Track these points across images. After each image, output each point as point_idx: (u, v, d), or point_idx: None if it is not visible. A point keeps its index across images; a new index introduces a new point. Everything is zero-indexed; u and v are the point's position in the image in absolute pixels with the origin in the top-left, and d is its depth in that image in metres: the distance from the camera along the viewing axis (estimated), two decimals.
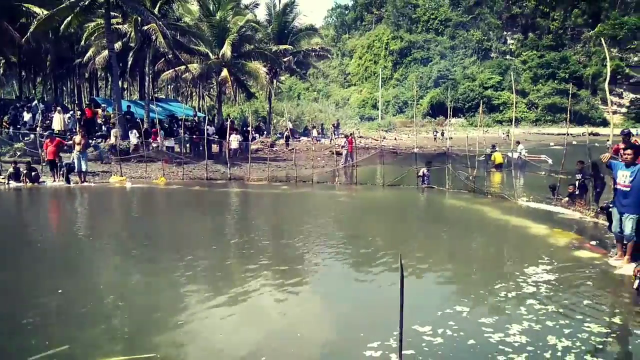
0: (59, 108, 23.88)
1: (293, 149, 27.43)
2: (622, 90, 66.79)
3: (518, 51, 72.55)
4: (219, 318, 5.31)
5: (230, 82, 29.73)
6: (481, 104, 32.95)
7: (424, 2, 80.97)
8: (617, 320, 5.20)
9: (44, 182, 16.67)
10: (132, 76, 34.40)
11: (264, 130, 36.07)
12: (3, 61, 34.08)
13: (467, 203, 13.49)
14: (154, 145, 22.23)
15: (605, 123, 55.28)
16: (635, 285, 5.76)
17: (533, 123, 62.52)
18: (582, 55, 69.80)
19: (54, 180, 16.81)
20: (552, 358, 4.34)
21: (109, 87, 39.34)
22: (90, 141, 20.49)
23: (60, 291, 6.07)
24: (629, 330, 5.00)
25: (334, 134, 34.10)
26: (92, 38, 27.35)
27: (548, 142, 38.41)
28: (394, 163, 19.76)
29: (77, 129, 18.82)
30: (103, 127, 25.35)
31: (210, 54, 30.24)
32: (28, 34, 23.04)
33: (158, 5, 25.16)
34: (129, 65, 29.02)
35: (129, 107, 27.43)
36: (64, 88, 44.96)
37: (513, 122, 24.90)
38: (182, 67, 29.59)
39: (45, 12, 22.89)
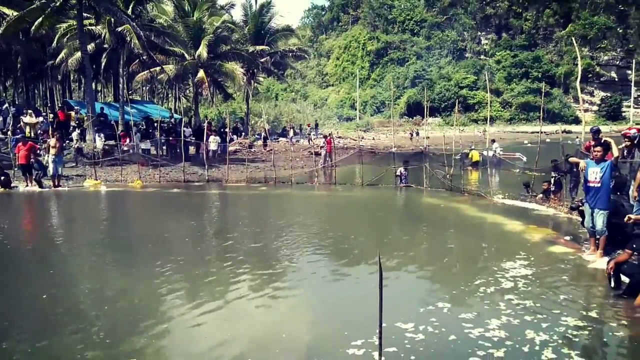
0: (30, 111, 23.31)
1: (271, 149, 27.36)
2: (593, 88, 68.64)
3: (492, 51, 73.82)
4: (201, 321, 5.25)
5: (207, 83, 29.51)
6: (457, 104, 33.47)
7: (399, 3, 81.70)
8: (591, 313, 5.33)
9: (17, 187, 16.25)
10: (105, 78, 33.83)
11: (242, 132, 35.88)
12: None
13: (444, 201, 13.65)
14: (124, 148, 21.87)
15: (577, 121, 56.60)
16: (611, 284, 5.90)
17: (507, 122, 63.66)
18: (554, 54, 71.47)
19: (27, 185, 16.40)
20: (531, 352, 4.41)
21: (83, 89, 38.57)
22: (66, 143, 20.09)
23: (28, 297, 5.93)
24: (604, 323, 5.12)
25: (314, 135, 34.16)
26: (65, 39, 26.73)
27: (522, 140, 39.21)
28: (373, 163, 19.86)
29: (51, 132, 18.40)
30: (76, 129, 24.84)
31: (186, 55, 29.94)
32: None
33: (131, 6, 24.78)
34: (102, 67, 28.52)
35: (102, 109, 26.93)
36: (36, 90, 43.84)
37: (488, 121, 25.32)
38: (158, 69, 29.22)
39: (15, 13, 22.29)
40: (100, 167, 19.75)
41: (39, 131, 21.84)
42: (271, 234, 9.76)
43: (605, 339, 4.80)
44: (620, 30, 68.87)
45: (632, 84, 65.17)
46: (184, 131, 22.49)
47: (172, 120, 30.36)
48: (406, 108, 65.02)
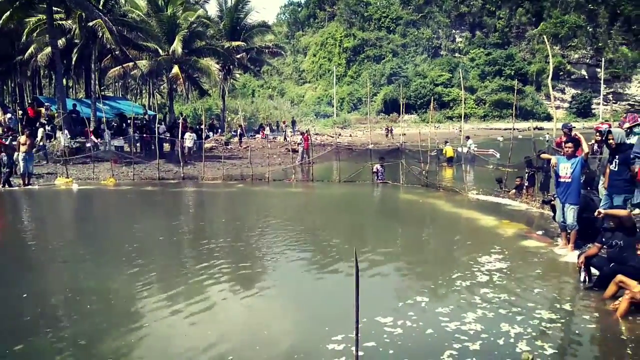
0: None
1: (248, 147, 27.19)
2: (564, 86, 70.33)
3: (466, 49, 74.91)
4: (180, 321, 5.18)
5: (181, 79, 29.13)
6: (432, 101, 33.80)
7: (375, 0, 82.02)
8: (563, 306, 5.45)
9: None
10: (77, 74, 33.07)
11: (218, 128, 35.55)
12: None
13: (420, 197, 13.80)
14: (88, 145, 21.42)
15: (549, 118, 57.92)
16: (582, 278, 6.04)
17: (481, 119, 64.72)
18: (527, 52, 72.94)
19: None
20: (506, 345, 4.49)
21: (53, 85, 37.60)
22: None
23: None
24: (575, 316, 5.25)
25: (291, 131, 34.06)
26: (34, 34, 25.99)
27: (496, 137, 39.85)
28: (350, 159, 19.93)
29: (20, 129, 17.89)
30: (47, 126, 24.24)
31: (160, 51, 29.47)
32: None
33: (103, 0, 24.25)
34: (73, 62, 27.85)
35: (74, 105, 26.31)
36: (5, 87, 42.54)
37: (462, 118, 25.66)
38: (131, 64, 28.69)
39: None
40: (71, 164, 19.29)
41: (5, 128, 21.24)
42: (249, 232, 9.70)
43: (577, 331, 4.91)
44: (590, 29, 70.73)
45: (602, 81, 67.03)
46: (158, 128, 22.14)
47: (146, 116, 29.89)
48: (383, 105, 65.49)
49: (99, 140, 22.32)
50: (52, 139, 22.11)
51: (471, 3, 76.25)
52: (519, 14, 73.86)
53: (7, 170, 16.04)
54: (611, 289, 5.47)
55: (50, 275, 7.00)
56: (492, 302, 5.52)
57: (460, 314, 5.18)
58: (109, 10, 24.83)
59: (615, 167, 7.25)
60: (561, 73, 68.49)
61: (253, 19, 38.73)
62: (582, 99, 68.31)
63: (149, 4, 30.19)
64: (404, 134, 27.77)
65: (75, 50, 26.64)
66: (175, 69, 28.66)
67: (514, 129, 17.56)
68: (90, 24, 22.94)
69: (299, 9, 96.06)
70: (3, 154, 16.17)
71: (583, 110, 67.22)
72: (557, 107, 63.74)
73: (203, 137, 22.13)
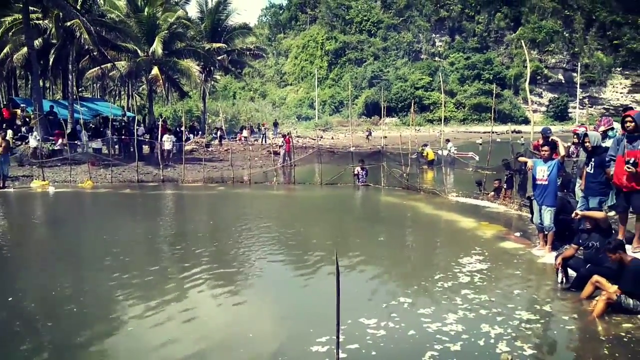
0: None
1: (229, 149, 27.01)
2: (541, 90, 71.60)
3: (446, 53, 75.65)
4: (162, 324, 5.12)
5: (161, 81, 28.78)
6: (413, 104, 34.10)
7: (356, 3, 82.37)
8: (542, 307, 5.53)
9: None
10: (54, 74, 32.41)
11: (199, 130, 35.23)
12: None
13: (401, 199, 13.88)
14: (57, 147, 21.01)
15: (526, 121, 58.82)
16: (559, 279, 6.14)
17: (461, 122, 65.39)
18: (505, 57, 74.02)
19: None
20: (486, 345, 4.54)
21: (30, 86, 36.82)
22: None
23: None
24: (554, 316, 5.33)
25: (273, 134, 33.92)
26: (10, 34, 25.40)
27: (475, 140, 40.33)
28: (332, 162, 19.94)
29: None
30: (22, 128, 23.72)
31: (139, 51, 29.09)
32: None
33: (81, 0, 23.85)
34: (50, 63, 27.32)
35: (51, 107, 25.78)
36: None
37: (442, 121, 25.93)
38: (109, 65, 28.26)
39: None
40: (48, 167, 18.90)
41: None
42: (229, 234, 9.62)
43: (555, 331, 4.99)
44: (567, 35, 72.17)
45: (578, 85, 68.45)
46: (137, 129, 21.84)
47: (125, 118, 29.45)
48: (364, 108, 65.69)
49: (77, 142, 21.88)
50: (27, 141, 21.61)
51: (451, 8, 77.08)
52: (497, 19, 74.98)
53: None
54: (588, 289, 5.57)
55: (25, 280, 6.82)
56: (472, 303, 5.58)
57: (442, 314, 5.22)
58: (87, 10, 24.43)
59: (591, 170, 7.39)
60: (538, 77, 69.72)
61: (234, 20, 38.55)
62: (559, 102, 69.62)
63: (128, 5, 29.78)
64: (385, 137, 27.93)
65: (52, 51, 26.13)
66: (155, 70, 28.32)
67: (493, 132, 17.81)
68: (68, 24, 22.53)
69: (281, 12, 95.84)
70: None
71: (560, 114, 68.47)
72: (535, 111, 64.88)
73: (183, 139, 21.86)
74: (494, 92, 25.61)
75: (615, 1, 69.00)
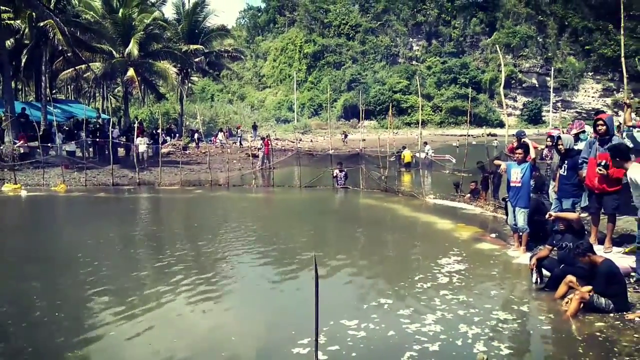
0: None
1: (207, 151, 26.81)
2: (516, 94, 73.00)
3: (423, 57, 76.54)
4: (143, 330, 5.03)
5: (137, 82, 28.43)
6: (391, 107, 34.34)
7: (335, 7, 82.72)
8: (518, 307, 5.62)
9: None
10: (27, 76, 31.64)
11: (176, 133, 34.84)
12: None
13: (380, 202, 13.96)
14: (21, 150, 20.54)
15: (501, 124, 59.84)
16: (534, 279, 6.25)
17: (438, 125, 66.19)
18: (481, 61, 75.27)
19: None
20: (464, 345, 4.59)
21: (1, 87, 35.96)
22: None
23: None
24: (529, 316, 5.44)
25: (252, 136, 33.74)
26: None
27: (452, 143, 40.88)
28: (311, 165, 19.93)
29: None
30: None
31: (114, 53, 28.67)
32: None
33: (54, 0, 23.37)
34: (23, 64, 26.67)
35: (23, 109, 25.13)
36: None
37: (420, 125, 26.18)
38: (84, 66, 27.74)
39: None
40: (20, 170, 18.44)
41: None
42: (208, 238, 9.52)
43: (531, 331, 5.09)
44: (540, 40, 73.77)
45: (551, 90, 70.03)
46: (111, 132, 21.46)
47: (100, 120, 28.94)
48: (343, 111, 65.98)
49: (50, 145, 21.37)
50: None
51: (427, 13, 78.06)
52: (473, 24, 76.24)
53: None
54: (562, 289, 5.69)
55: None
56: (450, 303, 5.64)
57: (421, 315, 5.28)
58: (60, 11, 23.95)
59: (564, 172, 7.56)
60: (513, 81, 71.07)
61: (212, 22, 38.31)
62: (532, 106, 71.06)
63: (104, 5, 29.34)
64: (364, 140, 28.09)
65: (24, 52, 25.53)
66: (131, 72, 27.93)
67: (469, 135, 18.06)
68: (41, 24, 22.05)
69: (259, 14, 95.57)
70: None
71: (534, 118, 69.90)
72: (509, 114, 66.15)
73: (160, 141, 21.57)
74: (470, 95, 25.98)
75: (587, 8, 70.83)
